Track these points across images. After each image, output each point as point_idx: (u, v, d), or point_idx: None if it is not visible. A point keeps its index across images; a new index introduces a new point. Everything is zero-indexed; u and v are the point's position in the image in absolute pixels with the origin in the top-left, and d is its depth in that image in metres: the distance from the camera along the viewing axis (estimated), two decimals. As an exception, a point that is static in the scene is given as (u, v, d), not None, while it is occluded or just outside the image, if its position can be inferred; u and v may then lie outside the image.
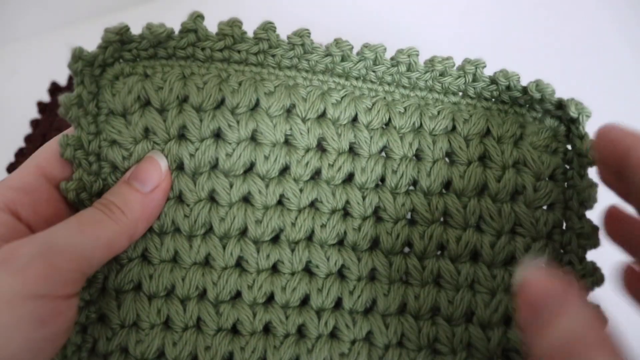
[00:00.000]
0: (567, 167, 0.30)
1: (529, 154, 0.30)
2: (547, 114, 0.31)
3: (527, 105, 0.31)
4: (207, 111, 0.29)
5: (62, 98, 0.28)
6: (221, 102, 0.29)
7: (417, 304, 0.29)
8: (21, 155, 0.61)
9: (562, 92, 0.31)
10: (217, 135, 0.30)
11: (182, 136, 0.30)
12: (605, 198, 0.27)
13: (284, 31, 0.30)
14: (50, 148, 0.28)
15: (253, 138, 0.30)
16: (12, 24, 0.77)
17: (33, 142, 0.62)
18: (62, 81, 0.66)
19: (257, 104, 0.30)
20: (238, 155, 0.29)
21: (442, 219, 0.30)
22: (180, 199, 0.30)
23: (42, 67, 0.71)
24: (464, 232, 0.30)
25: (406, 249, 0.31)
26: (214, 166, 0.30)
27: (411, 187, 0.31)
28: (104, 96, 0.29)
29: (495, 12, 0.56)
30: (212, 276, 0.29)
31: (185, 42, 0.29)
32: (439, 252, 0.30)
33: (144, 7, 0.76)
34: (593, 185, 0.29)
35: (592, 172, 0.29)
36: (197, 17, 0.29)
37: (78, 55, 0.28)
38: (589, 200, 0.29)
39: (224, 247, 0.29)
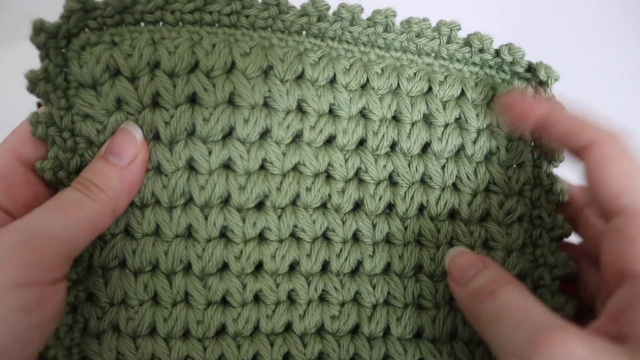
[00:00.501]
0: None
1: (502, 116, 0.31)
2: (515, 76, 0.33)
3: (497, 68, 0.32)
4: (181, 76, 0.28)
5: (27, 74, 0.27)
6: (195, 66, 0.28)
7: (402, 263, 0.30)
8: (21, 156, 0.61)
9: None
10: (193, 100, 0.28)
11: (156, 104, 0.28)
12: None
13: None
14: (22, 129, 0.27)
15: (230, 101, 0.28)
16: (12, 24, 0.77)
17: (33, 142, 0.62)
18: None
19: (232, 65, 0.28)
20: (216, 119, 0.28)
21: (421, 180, 0.31)
22: (158, 169, 0.29)
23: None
24: (442, 192, 0.31)
25: (387, 210, 0.31)
26: (191, 133, 0.28)
27: (391, 149, 0.31)
28: (72, 68, 0.27)
29: (494, 5, 0.56)
30: (196, 249, 0.28)
31: (152, 6, 0.28)
32: (418, 212, 0.31)
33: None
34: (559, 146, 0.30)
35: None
36: None
37: (40, 27, 0.27)
38: (555, 159, 0.32)
39: (205, 218, 0.28)
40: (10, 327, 0.21)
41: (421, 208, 0.31)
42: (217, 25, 0.29)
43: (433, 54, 0.32)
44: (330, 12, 0.30)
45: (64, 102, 0.28)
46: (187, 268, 0.29)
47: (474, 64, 0.33)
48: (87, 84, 0.28)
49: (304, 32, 0.30)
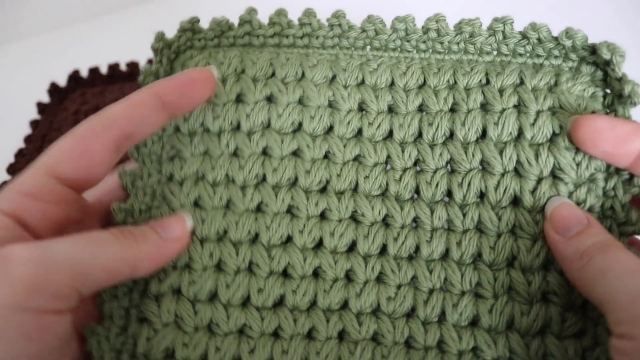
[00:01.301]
0: (608, 111, 0.31)
1: (564, 97, 0.30)
2: (582, 62, 0.32)
3: (562, 57, 0.32)
4: (260, 80, 0.33)
5: (144, 66, 0.33)
6: (272, 74, 0.33)
7: (459, 250, 0.30)
8: (21, 156, 0.60)
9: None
10: (269, 100, 0.33)
11: (239, 101, 0.33)
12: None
13: (322, 16, 0.35)
14: (61, 148, 0.27)
15: (300, 102, 0.33)
16: (12, 24, 0.77)
17: (33, 142, 0.62)
18: (62, 81, 0.66)
19: (303, 75, 0.33)
20: (287, 114, 0.32)
21: (480, 167, 0.31)
22: (235, 154, 0.33)
23: (42, 67, 0.71)
24: (502, 178, 0.30)
25: (446, 198, 0.32)
26: (267, 126, 0.33)
27: (449, 138, 0.32)
28: (175, 71, 0.34)
29: (497, 7, 0.56)
30: (265, 220, 0.31)
31: (242, 32, 0.35)
32: (478, 200, 0.31)
33: (143, 7, 0.76)
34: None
35: (637, 112, 0.30)
36: (251, 10, 0.35)
37: (160, 37, 0.33)
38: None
39: (276, 195, 0.32)
40: (7, 352, 0.21)
41: (482, 196, 0.31)
42: (293, 46, 0.35)
43: (495, 52, 0.33)
44: (387, 26, 0.34)
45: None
46: (253, 240, 0.31)
47: (538, 56, 0.32)
48: None
49: (368, 47, 0.34)
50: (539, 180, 0.30)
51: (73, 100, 0.64)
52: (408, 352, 0.30)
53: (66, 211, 0.26)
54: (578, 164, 0.29)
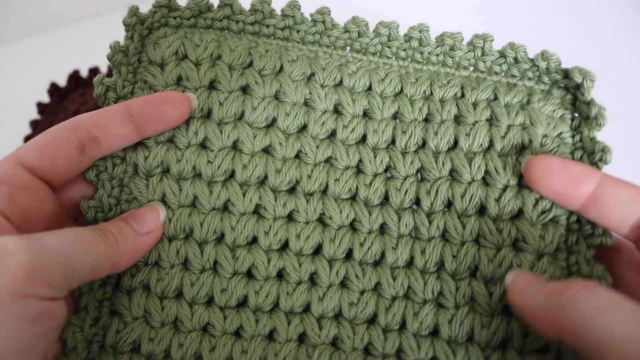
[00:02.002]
0: (575, 133, 0.31)
1: (535, 115, 0.31)
2: (554, 85, 0.32)
3: (536, 79, 0.33)
4: (237, 69, 0.32)
5: (112, 43, 0.32)
6: (250, 64, 0.32)
7: (423, 259, 0.30)
8: (21, 156, 0.61)
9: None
10: (244, 90, 0.32)
11: (212, 87, 0.32)
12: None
13: (307, 10, 0.34)
14: (30, 141, 0.28)
15: (276, 97, 0.32)
16: (12, 24, 0.77)
17: (33, 142, 0.62)
18: (62, 81, 0.66)
19: (281, 69, 0.32)
20: (262, 108, 0.32)
21: (449, 175, 0.31)
22: (203, 145, 0.32)
23: (42, 67, 0.71)
24: (469, 186, 0.30)
25: (415, 206, 0.32)
26: (240, 117, 0.32)
27: (421, 147, 0.32)
28: (147, 48, 0.33)
29: (498, 10, 0.56)
30: (231, 221, 0.31)
31: (221, 14, 0.34)
32: (445, 208, 0.31)
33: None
34: (605, 148, 0.29)
35: (601, 136, 0.30)
36: None
37: (134, 12, 0.32)
38: (600, 160, 0.29)
39: (243, 194, 0.31)
40: (14, 336, 0.22)
41: (449, 205, 0.31)
42: (272, 37, 0.34)
43: (472, 68, 0.33)
44: (371, 29, 0.34)
45: (131, 77, 0.32)
46: (219, 239, 0.31)
47: (513, 76, 0.33)
48: (156, 62, 0.32)
49: (348, 48, 0.34)
50: (505, 189, 0.30)
51: (73, 100, 0.64)
52: (365, 359, 0.30)
53: (34, 199, 0.27)
54: None
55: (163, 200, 0.31)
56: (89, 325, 0.29)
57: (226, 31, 0.34)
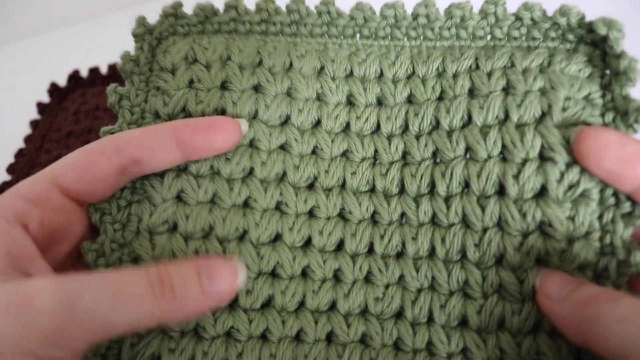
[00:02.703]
0: (605, 92, 0.28)
1: (556, 77, 0.28)
2: (580, 42, 0.29)
3: (560, 38, 0.30)
4: (247, 69, 0.32)
5: (123, 53, 0.32)
6: (259, 63, 0.32)
7: (444, 248, 0.29)
8: (21, 156, 0.61)
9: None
10: (256, 89, 0.32)
11: (224, 88, 0.32)
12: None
13: (312, 3, 0.34)
14: (68, 159, 0.27)
15: (288, 94, 0.32)
16: (12, 24, 0.77)
17: (33, 142, 0.62)
18: (62, 81, 0.66)
19: (290, 65, 0.32)
20: (276, 106, 0.31)
21: (464, 155, 0.29)
22: None
23: (42, 67, 0.71)
24: (485, 164, 0.28)
25: (431, 192, 0.30)
26: (254, 117, 0.31)
27: (435, 128, 0.31)
28: (157, 56, 0.33)
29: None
30: (254, 217, 0.30)
31: (227, 18, 0.33)
32: (463, 191, 0.29)
33: (143, 7, 0.76)
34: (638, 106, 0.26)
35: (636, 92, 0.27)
36: None
37: (142, 22, 0.32)
38: (635, 121, 0.26)
39: (265, 190, 0.30)
40: None
41: (467, 186, 0.29)
42: (280, 34, 0.34)
43: (489, 37, 0.31)
44: (378, 12, 0.33)
45: (144, 85, 0.32)
46: (241, 236, 0.30)
47: (534, 38, 0.30)
48: (167, 69, 0.32)
49: (357, 35, 0.33)
50: (524, 163, 0.27)
51: (73, 100, 0.64)
52: (397, 355, 0.29)
53: (64, 221, 0.26)
54: (568, 141, 0.27)
55: (179, 198, 0.30)
56: (104, 345, 0.28)
57: (234, 33, 0.34)
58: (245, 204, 0.31)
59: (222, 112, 0.31)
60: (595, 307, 0.23)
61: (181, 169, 0.30)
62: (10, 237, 0.23)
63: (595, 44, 0.29)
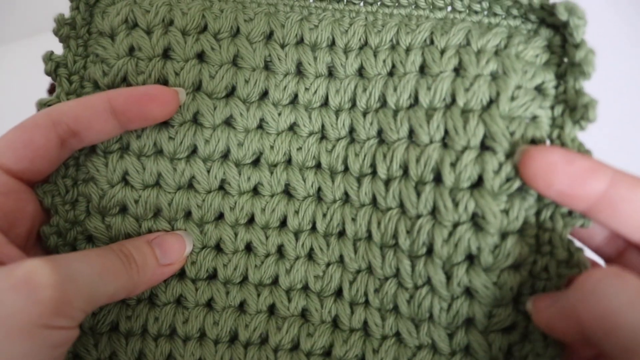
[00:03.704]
0: (560, 82, 0.27)
1: (510, 62, 0.26)
2: (542, 24, 0.28)
3: (522, 17, 0.28)
4: (191, 34, 0.30)
5: (57, 16, 0.30)
6: (204, 28, 0.30)
7: (379, 232, 0.29)
8: (21, 156, 0.60)
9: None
10: (200, 58, 0.30)
11: (166, 56, 0.30)
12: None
13: None
14: (5, 139, 0.27)
15: (234, 62, 0.30)
16: (12, 24, 0.77)
17: (33, 142, 0.61)
18: (62, 81, 0.66)
19: (237, 30, 0.30)
20: (220, 77, 0.30)
21: (407, 137, 0.28)
22: (164, 121, 0.30)
23: (42, 67, 0.71)
24: (425, 149, 0.27)
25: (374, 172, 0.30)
26: (198, 88, 0.30)
27: (383, 105, 0.29)
28: (95, 19, 0.31)
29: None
30: (197, 199, 0.30)
31: None
32: (403, 175, 0.28)
33: None
34: (592, 102, 0.25)
35: (589, 87, 0.26)
36: None
37: None
38: (582, 118, 0.25)
39: (208, 171, 0.30)
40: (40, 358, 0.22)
41: (405, 169, 0.28)
42: None
43: (449, 8, 0.30)
44: None
45: (82, 50, 0.31)
46: (187, 216, 0.31)
47: (495, 15, 0.29)
48: (106, 33, 0.30)
49: None
50: (463, 151, 0.26)
51: (73, 100, 0.64)
52: (333, 332, 0.30)
53: (16, 202, 0.27)
54: (512, 133, 0.26)
55: (125, 179, 0.30)
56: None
57: None
58: (190, 185, 0.31)
59: (165, 82, 0.30)
60: (595, 283, 0.20)
61: (124, 148, 0.30)
62: None
63: (557, 27, 0.27)
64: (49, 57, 0.31)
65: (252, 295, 0.30)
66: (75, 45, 0.31)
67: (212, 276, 0.31)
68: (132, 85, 0.30)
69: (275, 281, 0.31)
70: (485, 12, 0.29)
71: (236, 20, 0.30)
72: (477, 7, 0.29)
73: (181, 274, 0.31)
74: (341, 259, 0.30)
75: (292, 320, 0.30)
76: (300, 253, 0.30)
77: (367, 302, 0.30)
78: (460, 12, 0.30)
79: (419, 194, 0.27)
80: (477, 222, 0.26)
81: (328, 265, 0.30)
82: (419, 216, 0.27)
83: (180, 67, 0.30)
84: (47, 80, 0.65)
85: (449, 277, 0.27)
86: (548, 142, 0.26)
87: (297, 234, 0.30)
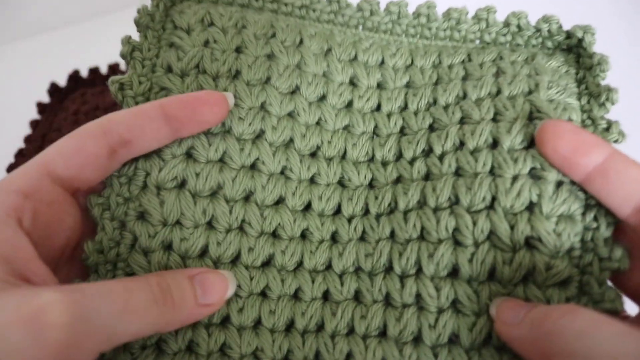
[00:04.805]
0: (580, 84, 0.32)
1: (541, 66, 0.32)
2: (557, 49, 0.34)
3: (539, 45, 0.34)
4: (261, 38, 0.33)
5: (140, 7, 0.32)
6: (273, 35, 0.34)
7: (434, 194, 0.30)
8: (21, 156, 0.61)
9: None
10: (270, 57, 0.33)
11: (239, 52, 0.33)
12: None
13: None
14: (56, 146, 0.26)
15: (298, 66, 0.34)
16: (12, 24, 0.77)
17: (33, 142, 0.62)
18: (62, 81, 0.66)
19: (301, 42, 0.34)
20: (287, 75, 0.33)
21: (459, 122, 0.32)
22: (234, 104, 0.32)
23: (42, 67, 0.71)
24: (478, 124, 0.30)
25: (425, 155, 0.33)
26: (266, 82, 0.33)
27: (432, 105, 0.33)
28: (172, 16, 0.33)
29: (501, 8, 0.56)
30: (262, 179, 0.31)
31: None
32: (458, 149, 0.31)
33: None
34: (612, 89, 0.30)
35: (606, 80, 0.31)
36: None
37: None
38: (607, 99, 0.30)
39: (273, 154, 0.32)
40: None
41: (460, 145, 0.31)
42: (290, 15, 0.36)
43: (477, 40, 0.35)
44: (382, 8, 0.36)
45: (156, 42, 0.33)
46: (246, 198, 0.31)
47: (517, 45, 0.35)
48: (183, 28, 0.33)
49: (361, 27, 0.36)
50: (515, 120, 0.29)
51: (73, 100, 0.64)
52: (386, 311, 0.29)
53: (58, 213, 0.26)
54: (555, 108, 0.30)
55: (189, 154, 0.30)
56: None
57: (247, 8, 0.36)
58: (253, 166, 0.31)
59: (237, 73, 0.32)
60: (552, 323, 0.23)
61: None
62: (4, 239, 0.23)
63: (570, 49, 0.33)
64: (127, 41, 0.32)
65: (307, 282, 0.30)
66: (152, 35, 0.32)
67: (266, 263, 0.31)
68: (205, 72, 0.31)
69: (328, 267, 0.31)
70: (508, 44, 0.35)
71: (300, 33, 0.34)
72: (502, 39, 0.35)
73: (234, 261, 0.30)
74: (391, 235, 0.31)
75: (346, 305, 0.30)
76: (352, 236, 0.31)
77: (418, 273, 0.29)
78: (487, 43, 0.35)
79: (476, 159, 0.30)
80: (535, 175, 0.28)
81: (378, 241, 0.31)
82: (476, 174, 0.29)
83: (252, 60, 0.32)
84: (47, 81, 0.66)
85: (512, 226, 0.28)
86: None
87: (350, 220, 0.32)
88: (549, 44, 0.34)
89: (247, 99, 0.31)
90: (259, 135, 0.32)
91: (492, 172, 0.29)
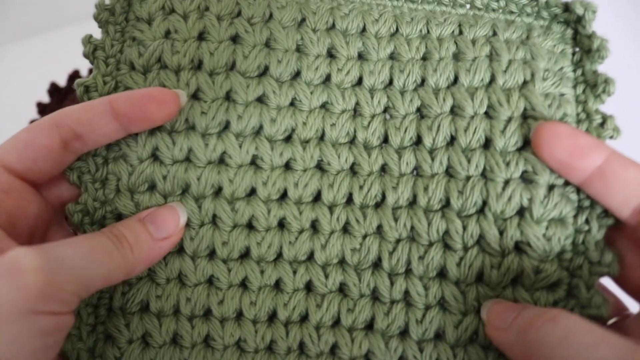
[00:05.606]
0: (576, 68, 0.31)
1: (536, 49, 0.30)
2: (553, 20, 0.32)
3: (535, 14, 0.32)
4: (225, 19, 0.32)
5: (98, 2, 0.31)
6: (238, 14, 0.32)
7: (426, 196, 0.29)
8: (21, 156, 0.61)
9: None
10: (234, 40, 0.32)
11: (201, 38, 0.32)
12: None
13: None
14: (10, 140, 0.27)
15: (267, 44, 0.32)
16: (12, 24, 0.77)
17: (33, 142, 0.62)
18: (62, 81, 0.66)
19: (270, 16, 0.32)
20: (254, 57, 0.31)
21: (450, 111, 0.30)
22: (196, 97, 0.31)
23: (42, 67, 0.71)
24: (472, 120, 0.29)
25: (415, 146, 0.31)
26: (231, 67, 0.31)
27: (420, 85, 0.31)
28: (133, 6, 0.32)
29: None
30: (228, 174, 0.30)
31: None
32: (448, 143, 0.30)
33: None
34: (609, 80, 0.29)
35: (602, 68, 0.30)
36: None
37: None
38: (603, 92, 0.29)
39: (240, 146, 0.30)
40: (29, 349, 0.22)
41: (452, 140, 0.30)
42: None
43: (468, 5, 0.33)
44: None
45: (119, 36, 0.32)
46: (217, 192, 0.31)
47: (511, 12, 0.32)
48: (143, 19, 0.32)
49: None
50: (509, 120, 0.29)
51: (73, 100, 0.64)
52: (373, 305, 0.29)
53: (18, 201, 0.27)
54: (550, 104, 0.29)
55: (155, 155, 0.30)
56: (95, 296, 0.29)
57: None
58: (221, 160, 0.31)
59: (199, 63, 0.31)
60: (536, 331, 0.23)
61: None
62: None
63: (567, 23, 0.31)
64: (88, 40, 0.31)
65: (288, 273, 0.30)
66: (114, 30, 0.32)
67: (244, 255, 0.31)
68: (167, 67, 0.31)
69: (310, 257, 0.30)
70: (501, 10, 0.33)
71: (269, 6, 0.32)
72: (494, 5, 0.32)
73: (211, 254, 0.31)
74: (378, 230, 0.30)
75: (331, 297, 0.30)
76: (335, 227, 0.30)
77: (407, 272, 0.29)
78: (479, 9, 0.33)
79: (469, 159, 0.29)
80: (527, 178, 0.28)
81: (365, 237, 0.30)
82: (469, 177, 0.29)
83: (214, 47, 0.31)
84: (47, 81, 0.66)
85: (501, 232, 0.28)
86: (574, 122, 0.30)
87: (331, 208, 0.30)
88: (545, 14, 0.32)
89: (210, 91, 0.31)
90: (225, 127, 0.31)
91: (483, 174, 0.29)
